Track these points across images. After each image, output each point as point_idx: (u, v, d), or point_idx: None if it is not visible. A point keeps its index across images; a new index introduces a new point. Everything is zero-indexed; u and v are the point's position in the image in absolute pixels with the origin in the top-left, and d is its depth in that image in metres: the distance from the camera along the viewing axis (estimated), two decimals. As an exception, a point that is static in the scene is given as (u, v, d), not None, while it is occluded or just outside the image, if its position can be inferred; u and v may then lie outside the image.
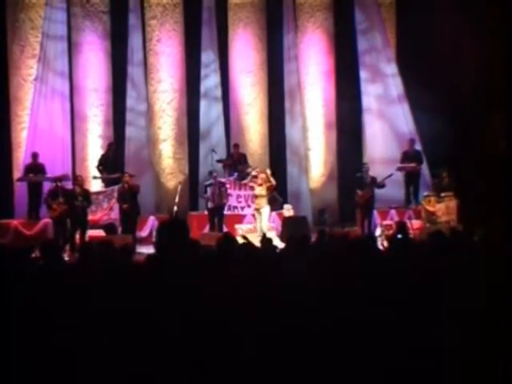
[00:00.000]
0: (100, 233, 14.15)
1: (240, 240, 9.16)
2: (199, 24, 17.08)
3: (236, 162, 16.17)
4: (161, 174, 17.07)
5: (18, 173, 15.68)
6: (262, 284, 4.70)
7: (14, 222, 14.79)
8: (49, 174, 14.87)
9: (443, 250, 5.85)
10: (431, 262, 5.59)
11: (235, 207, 15.65)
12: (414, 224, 14.44)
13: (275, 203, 15.33)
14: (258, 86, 17.51)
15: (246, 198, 15.52)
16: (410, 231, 11.78)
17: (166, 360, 3.75)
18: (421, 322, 4.31)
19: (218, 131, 17.13)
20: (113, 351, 3.83)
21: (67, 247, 13.16)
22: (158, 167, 17.06)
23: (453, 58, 15.96)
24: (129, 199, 13.85)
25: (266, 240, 8.04)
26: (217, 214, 14.48)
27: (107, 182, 15.56)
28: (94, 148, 16.47)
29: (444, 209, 14.74)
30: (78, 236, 13.46)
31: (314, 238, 8.68)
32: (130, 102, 16.74)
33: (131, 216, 13.88)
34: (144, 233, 14.85)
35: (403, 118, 17.04)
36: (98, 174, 15.72)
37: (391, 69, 17.25)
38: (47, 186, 14.59)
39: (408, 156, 16.07)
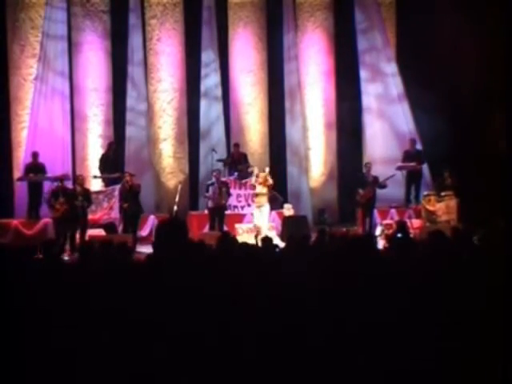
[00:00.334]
0: (100, 232, 14.15)
1: (245, 237, 9.17)
2: (199, 23, 17.07)
3: (236, 161, 16.17)
4: (161, 173, 17.07)
5: (18, 172, 15.68)
6: (261, 283, 4.70)
7: (14, 222, 14.79)
8: (49, 174, 14.87)
9: (443, 249, 5.85)
10: (431, 261, 5.59)
11: (235, 206, 15.65)
12: (414, 223, 14.45)
13: (275, 202, 15.33)
14: (258, 85, 17.50)
15: (246, 198, 15.53)
16: (410, 230, 11.78)
17: (165, 359, 3.75)
18: (420, 321, 4.31)
19: (218, 131, 17.13)
20: (112, 350, 3.83)
21: (67, 247, 13.16)
22: (159, 167, 17.06)
23: (453, 57, 15.96)
24: (130, 198, 13.85)
25: (266, 239, 8.03)
26: (217, 213, 14.48)
27: (107, 182, 15.57)
28: (95, 148, 16.47)
29: (444, 208, 14.74)
30: (77, 236, 13.46)
31: (313, 237, 8.69)
32: (130, 101, 16.73)
33: (132, 215, 13.88)
34: (144, 232, 14.84)
35: (403, 118, 17.04)
36: (98, 174, 15.73)
37: (391, 68, 17.25)
38: (47, 186, 14.59)
39: (409, 155, 16.07)
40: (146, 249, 11.76)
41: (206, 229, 14.75)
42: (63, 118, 16.14)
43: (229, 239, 6.83)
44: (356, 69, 17.54)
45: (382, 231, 14.06)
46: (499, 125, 15.88)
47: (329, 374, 4.01)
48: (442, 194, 14.84)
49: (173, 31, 17.10)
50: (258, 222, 14.14)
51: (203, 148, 16.99)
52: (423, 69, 16.20)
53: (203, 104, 17.15)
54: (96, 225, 14.59)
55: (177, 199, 14.96)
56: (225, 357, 3.83)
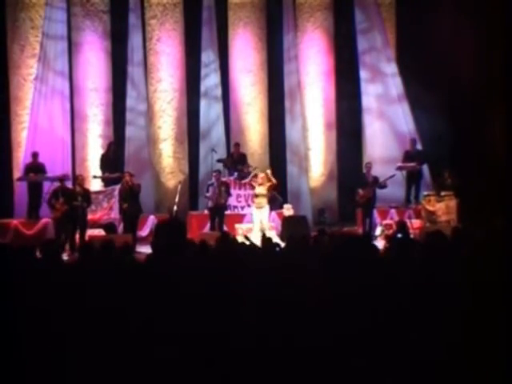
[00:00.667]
0: (100, 232, 14.15)
1: (242, 240, 9.17)
2: (199, 23, 17.07)
3: (236, 160, 16.17)
4: (161, 173, 17.07)
5: (18, 172, 15.68)
6: (261, 283, 4.71)
7: (14, 222, 14.79)
8: (49, 174, 14.87)
9: (442, 249, 5.85)
10: (430, 261, 5.59)
11: (235, 206, 15.66)
12: (414, 223, 14.45)
13: (275, 203, 15.33)
14: (257, 85, 17.50)
15: (246, 198, 15.53)
16: (410, 231, 11.77)
17: (165, 359, 3.75)
18: (420, 321, 4.31)
19: (218, 131, 17.13)
20: (112, 350, 3.84)
21: (67, 247, 13.16)
22: (158, 167, 17.05)
23: (453, 57, 15.95)
24: (129, 199, 13.84)
25: (266, 239, 8.04)
26: (217, 213, 14.48)
27: (107, 182, 15.57)
28: (94, 148, 16.47)
29: (444, 208, 14.74)
30: (77, 236, 13.46)
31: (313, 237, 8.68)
32: (130, 101, 16.74)
33: (132, 215, 13.87)
34: (144, 232, 14.84)
35: (403, 118, 17.04)
36: (98, 174, 15.74)
37: (391, 68, 17.24)
38: (47, 186, 14.59)
39: (409, 156, 16.07)
40: (146, 249, 11.75)
41: (206, 229, 14.75)
42: (63, 117, 16.14)
43: (229, 239, 6.83)
44: (356, 69, 17.54)
45: (382, 231, 14.07)
46: (499, 125, 15.88)
47: (329, 374, 4.01)
48: (442, 194, 14.84)
49: (173, 31, 17.10)
50: (255, 222, 14.08)
51: (203, 148, 16.98)
52: (423, 69, 16.20)
53: (203, 104, 17.15)
54: (96, 225, 14.59)
55: (177, 199, 14.95)
56: (224, 357, 3.83)
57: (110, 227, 14.30)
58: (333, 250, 5.97)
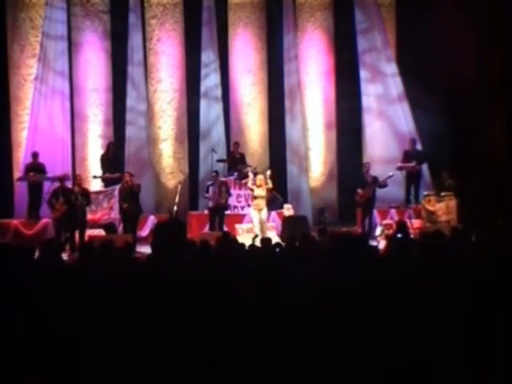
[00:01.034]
0: (100, 232, 14.15)
1: (245, 238, 9.17)
2: (199, 24, 17.07)
3: (236, 160, 16.16)
4: (161, 173, 17.07)
5: (18, 172, 15.68)
6: (261, 283, 4.71)
7: (14, 222, 14.79)
8: (49, 174, 14.87)
9: (441, 249, 5.85)
10: (429, 260, 5.59)
11: (235, 207, 15.65)
12: (414, 223, 14.45)
13: (275, 202, 15.33)
14: (257, 85, 17.50)
15: (246, 198, 15.52)
16: (410, 231, 11.77)
17: (164, 358, 3.75)
18: (421, 321, 4.31)
19: (218, 131, 17.13)
20: (112, 349, 3.84)
21: (67, 247, 13.15)
22: (158, 167, 17.06)
23: (452, 58, 15.96)
24: (129, 199, 13.84)
25: (265, 240, 8.04)
26: (217, 213, 14.48)
27: (107, 182, 15.57)
28: (94, 148, 16.47)
29: (444, 208, 14.73)
30: (77, 236, 13.46)
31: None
32: (130, 101, 16.74)
33: (132, 215, 13.87)
34: (144, 232, 14.84)
35: (403, 118, 17.04)
36: (98, 174, 15.74)
37: (391, 68, 17.24)
38: (47, 186, 14.59)
39: (409, 155, 16.07)
40: (146, 249, 11.75)
41: (206, 229, 14.74)
42: (63, 117, 16.14)
43: (229, 239, 6.83)
44: (356, 69, 17.55)
45: (382, 231, 14.06)
46: (499, 125, 15.88)
47: (329, 373, 4.01)
48: (442, 194, 14.84)
49: (173, 31, 17.10)
50: (257, 224, 14.03)
51: (203, 148, 16.98)
52: (423, 69, 16.20)
53: (203, 104, 17.15)
54: (96, 225, 14.59)
55: (177, 199, 14.95)
56: (224, 357, 3.83)
57: (110, 227, 14.30)
58: (332, 250, 5.97)
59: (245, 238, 12.90)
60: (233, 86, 17.41)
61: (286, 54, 17.33)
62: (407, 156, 16.09)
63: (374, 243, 12.36)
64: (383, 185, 14.93)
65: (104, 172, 15.64)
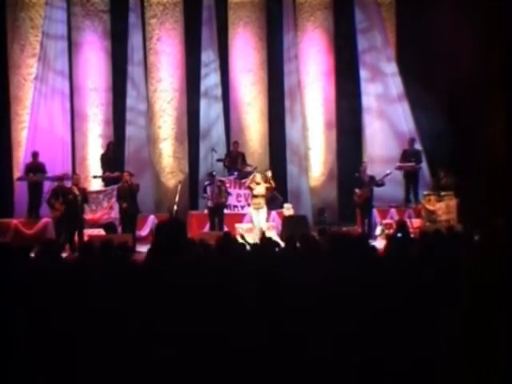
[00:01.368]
0: (100, 232, 14.15)
1: (238, 239, 9.16)
2: (199, 23, 17.07)
3: (234, 159, 16.16)
4: (161, 173, 17.07)
5: (18, 172, 15.68)
6: (261, 282, 4.71)
7: (14, 222, 14.80)
8: (49, 174, 14.88)
9: (441, 248, 5.86)
10: (429, 260, 5.59)
11: (235, 206, 15.65)
12: (414, 223, 14.45)
13: (275, 202, 15.33)
14: (257, 85, 17.50)
15: (246, 197, 15.51)
16: (410, 230, 11.77)
17: (163, 358, 3.75)
18: (420, 321, 4.31)
19: (218, 130, 17.13)
20: (111, 349, 3.84)
21: (67, 246, 13.16)
22: (158, 166, 17.05)
23: (453, 57, 15.96)
24: (128, 198, 13.84)
25: (265, 239, 8.03)
26: (217, 213, 14.47)
27: (107, 182, 15.57)
28: (94, 147, 16.47)
29: (444, 208, 14.74)
30: (76, 236, 13.47)
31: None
32: (130, 101, 16.74)
33: (131, 215, 13.87)
34: (144, 232, 14.84)
35: (403, 118, 17.04)
36: (98, 174, 15.74)
37: (391, 68, 17.25)
38: (47, 186, 14.59)
39: (407, 155, 16.08)
40: (146, 249, 11.73)
41: (206, 228, 14.74)
42: (63, 117, 16.14)
43: (230, 239, 6.83)
44: (356, 69, 17.55)
45: (382, 231, 14.06)
46: (499, 124, 15.88)
47: (329, 373, 4.01)
48: (442, 193, 14.84)
49: (173, 31, 17.10)
50: (255, 223, 14.03)
51: (203, 148, 16.99)
52: (423, 68, 16.20)
53: (203, 104, 17.15)
54: (96, 225, 14.59)
55: (177, 199, 14.96)
56: (224, 357, 3.83)
57: (110, 227, 14.30)
58: (333, 250, 5.97)
59: (240, 238, 12.90)
60: (233, 86, 17.41)
61: (286, 53, 17.33)
62: (405, 155, 16.10)
63: (374, 243, 12.35)
64: (380, 183, 14.94)
65: (104, 171, 15.64)
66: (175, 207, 14.67)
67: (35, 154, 15.05)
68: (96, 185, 15.95)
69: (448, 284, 4.77)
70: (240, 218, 15.36)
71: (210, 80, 17.15)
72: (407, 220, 13.78)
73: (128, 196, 13.86)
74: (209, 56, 17.10)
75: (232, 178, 15.78)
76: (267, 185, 14.14)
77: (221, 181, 14.82)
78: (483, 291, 4.57)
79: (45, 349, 4.00)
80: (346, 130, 17.71)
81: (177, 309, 3.86)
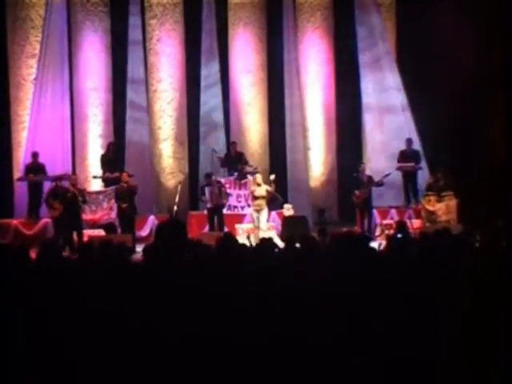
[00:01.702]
0: (100, 232, 14.15)
1: (245, 240, 9.15)
2: (199, 24, 17.07)
3: (234, 159, 16.15)
4: (161, 173, 17.07)
5: (18, 172, 15.68)
6: (260, 283, 4.71)
7: (14, 222, 14.79)
8: (49, 174, 14.87)
9: (440, 249, 5.86)
10: (428, 260, 5.59)
11: (235, 207, 15.64)
12: (414, 223, 14.45)
13: (275, 203, 15.32)
14: (257, 85, 17.50)
15: (246, 198, 15.51)
16: (410, 230, 11.77)
17: (164, 359, 3.75)
18: (420, 321, 4.31)
19: (218, 131, 17.13)
20: (111, 349, 3.84)
21: (66, 247, 13.15)
22: (158, 167, 17.05)
23: (453, 58, 15.96)
24: (127, 199, 13.84)
25: (265, 239, 8.02)
26: (216, 213, 14.46)
27: (107, 182, 15.57)
28: (94, 148, 16.47)
29: (444, 208, 14.74)
30: (75, 236, 13.47)
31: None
32: (130, 101, 16.74)
33: (129, 216, 13.87)
34: (144, 232, 14.84)
35: (403, 118, 17.04)
36: (98, 174, 15.74)
37: (391, 68, 17.24)
38: (47, 186, 14.60)
39: (405, 155, 16.07)
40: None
41: (206, 229, 14.74)
42: (63, 118, 16.14)
43: (230, 239, 6.82)
44: (356, 69, 17.54)
45: (382, 231, 14.06)
46: (499, 124, 15.88)
47: (329, 373, 4.00)
48: (442, 194, 14.84)
49: (173, 31, 17.10)
50: (257, 225, 14.00)
51: (203, 148, 16.99)
52: (423, 68, 16.20)
53: (203, 104, 17.14)
54: (96, 225, 14.59)
55: (177, 199, 14.95)
56: (224, 357, 3.83)
57: (110, 227, 14.30)
58: (333, 250, 5.97)
59: (245, 238, 12.91)
60: (233, 86, 17.41)
61: (286, 54, 17.32)
62: (403, 156, 16.09)
63: (374, 243, 12.36)
64: (380, 184, 14.96)
65: (104, 172, 15.64)
66: (175, 208, 14.67)
67: (35, 155, 15.05)
68: (96, 185, 15.95)
69: (448, 284, 4.77)
70: (240, 218, 15.36)
71: (210, 81, 17.15)
72: (407, 220, 13.77)
73: (127, 197, 13.86)
74: (209, 57, 17.10)
75: (232, 178, 15.77)
76: (267, 187, 14.11)
77: (219, 182, 14.81)
78: (483, 291, 4.57)
79: (44, 349, 3.99)
80: (346, 130, 17.70)
81: (176, 309, 3.86)
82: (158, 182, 16.95)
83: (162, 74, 17.07)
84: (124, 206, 13.79)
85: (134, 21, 16.71)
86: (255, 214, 13.96)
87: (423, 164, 16.27)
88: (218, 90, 17.12)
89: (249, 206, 15.28)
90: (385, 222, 15.15)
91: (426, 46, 16.30)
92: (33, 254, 6.66)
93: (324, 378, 3.98)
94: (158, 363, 3.75)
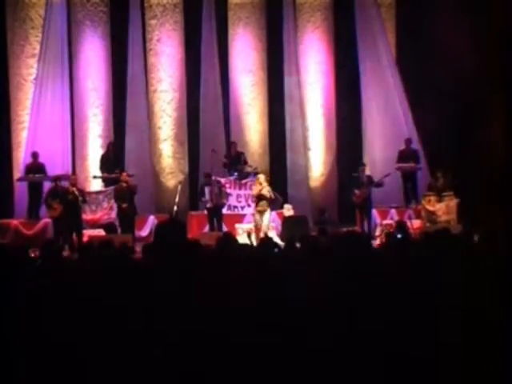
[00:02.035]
0: (100, 232, 14.16)
1: (245, 238, 9.14)
2: (199, 24, 17.08)
3: (234, 159, 16.16)
4: (161, 173, 17.08)
5: (18, 172, 15.70)
6: (260, 283, 4.71)
7: (14, 222, 14.80)
8: (49, 174, 14.88)
9: (441, 248, 5.86)
10: (428, 260, 5.59)
11: (235, 207, 15.64)
12: (414, 223, 14.45)
13: (275, 203, 15.32)
14: (257, 85, 17.51)
15: (246, 198, 15.52)
16: (411, 230, 11.77)
17: (163, 359, 3.75)
18: (420, 321, 4.32)
19: (218, 131, 17.13)
20: (111, 350, 3.84)
21: (66, 246, 13.16)
22: (158, 167, 17.07)
23: (453, 58, 15.96)
24: (127, 199, 13.85)
25: (266, 239, 8.03)
26: (215, 213, 14.47)
27: (107, 182, 15.58)
28: (94, 148, 16.48)
29: (444, 208, 14.75)
30: (74, 236, 13.48)
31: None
32: (129, 101, 16.74)
33: (129, 216, 13.88)
34: (144, 232, 14.85)
35: (403, 118, 17.05)
36: (98, 174, 15.74)
37: (391, 68, 17.26)
38: (47, 186, 14.61)
39: (404, 155, 16.08)
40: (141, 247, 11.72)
41: (206, 229, 14.75)
42: (63, 118, 16.15)
43: (229, 239, 6.82)
44: (356, 69, 17.56)
45: (382, 231, 14.06)
46: (499, 124, 15.88)
47: (329, 374, 4.01)
48: (443, 193, 14.85)
49: (173, 32, 17.11)
50: (260, 225, 14.00)
51: (203, 148, 16.99)
52: (423, 68, 16.22)
53: (203, 104, 17.16)
54: (96, 225, 14.60)
55: (177, 199, 14.97)
56: (223, 356, 3.83)
57: (110, 227, 14.32)
58: (333, 250, 5.97)
59: (245, 238, 12.93)
60: (233, 86, 17.42)
61: (286, 54, 17.34)
62: (402, 156, 16.11)
63: (374, 243, 12.37)
64: (379, 184, 14.97)
65: (104, 172, 15.64)
66: (175, 208, 14.68)
67: (35, 155, 15.06)
68: (96, 185, 15.96)
69: (448, 284, 4.77)
70: (240, 218, 15.37)
71: (210, 81, 17.15)
72: (407, 221, 13.78)
73: (127, 197, 13.87)
74: (209, 57, 17.10)
75: (232, 178, 15.78)
76: (269, 188, 14.11)
77: (219, 182, 14.82)
78: (483, 291, 4.57)
79: (44, 349, 4.00)
80: (346, 130, 17.71)
81: (176, 309, 3.86)
82: (158, 182, 16.96)
83: (161, 74, 17.09)
84: (124, 205, 13.81)
85: (134, 21, 16.71)
86: (258, 215, 13.96)
87: (423, 164, 16.27)
88: (217, 90, 17.12)
89: (249, 205, 15.30)
90: (385, 222, 15.16)
91: (426, 45, 16.31)
92: (33, 254, 6.68)
93: (324, 377, 3.98)
94: (159, 362, 3.76)
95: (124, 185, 14.00)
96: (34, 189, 14.97)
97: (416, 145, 16.42)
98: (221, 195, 14.46)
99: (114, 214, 14.82)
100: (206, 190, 14.49)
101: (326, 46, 17.76)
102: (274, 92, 17.55)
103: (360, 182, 14.91)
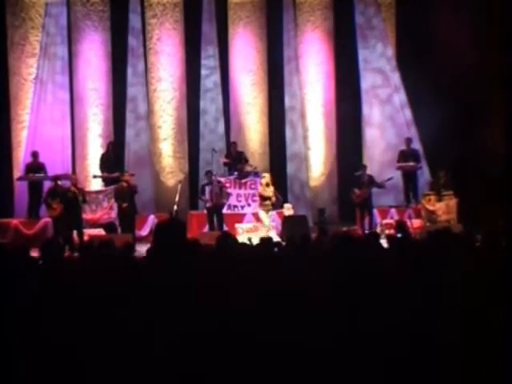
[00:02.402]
0: (100, 232, 14.16)
1: (245, 238, 9.15)
2: (199, 23, 17.08)
3: (235, 159, 16.16)
4: (161, 172, 17.08)
5: (18, 172, 15.70)
6: (260, 283, 4.71)
7: (14, 222, 14.81)
8: (49, 174, 14.88)
9: (442, 248, 5.86)
10: (428, 260, 5.59)
11: (235, 206, 15.64)
12: (414, 223, 14.46)
13: (277, 203, 15.32)
14: (258, 85, 17.51)
15: (246, 197, 15.52)
16: (410, 230, 11.77)
17: (163, 359, 3.75)
18: (420, 321, 4.32)
19: (218, 130, 17.14)
20: (112, 349, 3.84)
21: (66, 246, 13.16)
22: (158, 166, 17.07)
23: (453, 57, 15.95)
24: (128, 198, 13.85)
25: (266, 238, 8.03)
26: (215, 213, 14.48)
27: (107, 182, 15.57)
28: (94, 147, 16.48)
29: (444, 208, 14.75)
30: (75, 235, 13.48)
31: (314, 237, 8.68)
32: (129, 101, 16.75)
33: (130, 215, 13.88)
34: (144, 232, 14.85)
35: (403, 118, 17.05)
36: (98, 173, 15.74)
37: (391, 68, 17.26)
38: (47, 186, 14.61)
39: (405, 155, 16.08)
40: (146, 249, 11.72)
41: (206, 228, 14.75)
42: (63, 117, 16.16)
43: (230, 239, 6.82)
44: (356, 69, 17.55)
45: (382, 231, 14.06)
46: (499, 124, 15.88)
47: (329, 374, 4.01)
48: (443, 193, 14.85)
49: (173, 31, 17.11)
50: (267, 224, 14.02)
51: (203, 148, 16.99)
52: (423, 68, 16.20)
53: (203, 104, 17.16)
54: (96, 225, 14.60)
55: (177, 199, 14.97)
56: (223, 358, 3.83)
57: (110, 227, 14.32)
58: (333, 250, 5.97)
59: (245, 238, 12.92)
60: (233, 86, 17.42)
61: (286, 53, 17.34)
62: (403, 155, 16.10)
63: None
64: (381, 186, 14.98)
65: (104, 171, 15.64)
66: (175, 207, 14.67)
67: (35, 154, 15.06)
68: (96, 185, 15.96)
69: (448, 284, 4.77)
70: (240, 218, 15.37)
71: (210, 80, 17.15)
72: (407, 220, 13.79)
73: (128, 196, 13.87)
74: (209, 56, 17.11)
75: (232, 177, 15.77)
76: (272, 188, 14.15)
77: (219, 181, 14.82)
78: (483, 291, 4.57)
79: (44, 349, 4.00)
80: (346, 130, 17.71)
81: (176, 309, 3.86)
82: (158, 182, 16.96)
83: (161, 74, 17.09)
84: (124, 205, 13.80)
85: (133, 20, 16.72)
86: (264, 214, 13.98)
87: (423, 163, 16.28)
88: (217, 90, 17.12)
89: (249, 205, 15.31)
90: (385, 221, 15.17)
91: (425, 45, 16.30)
92: (33, 254, 6.67)
93: (324, 377, 3.98)
94: (159, 362, 3.76)
95: (124, 184, 14.00)
96: (34, 188, 14.98)
97: (416, 144, 16.42)
98: (221, 195, 14.47)
99: (114, 214, 14.82)
100: (207, 189, 14.50)
101: (326, 46, 17.75)
102: (274, 92, 17.55)
103: (361, 182, 14.92)
